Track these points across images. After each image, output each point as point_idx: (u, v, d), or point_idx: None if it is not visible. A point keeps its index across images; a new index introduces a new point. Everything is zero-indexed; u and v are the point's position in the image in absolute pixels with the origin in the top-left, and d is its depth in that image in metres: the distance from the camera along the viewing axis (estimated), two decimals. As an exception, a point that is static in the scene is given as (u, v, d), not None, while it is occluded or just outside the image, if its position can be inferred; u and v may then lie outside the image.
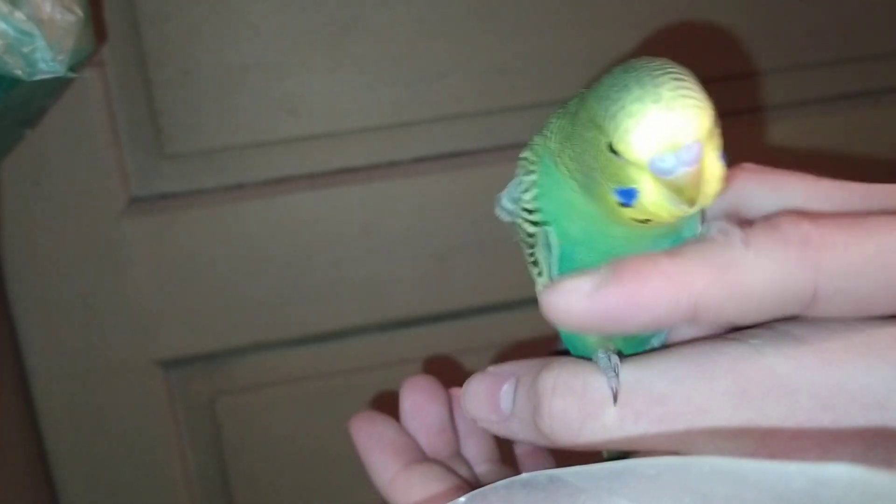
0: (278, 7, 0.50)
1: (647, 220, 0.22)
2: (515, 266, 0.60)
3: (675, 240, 0.24)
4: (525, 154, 0.26)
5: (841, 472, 0.16)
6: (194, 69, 0.50)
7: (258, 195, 0.53)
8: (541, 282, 0.26)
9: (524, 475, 0.19)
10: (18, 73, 0.38)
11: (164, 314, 0.54)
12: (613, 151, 0.21)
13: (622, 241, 0.23)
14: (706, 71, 0.63)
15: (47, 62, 0.39)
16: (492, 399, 0.24)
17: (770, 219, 0.21)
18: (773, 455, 0.20)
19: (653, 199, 0.21)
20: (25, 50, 0.38)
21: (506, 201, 0.26)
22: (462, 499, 0.19)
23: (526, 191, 0.25)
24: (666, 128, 0.20)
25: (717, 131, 0.21)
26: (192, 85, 0.51)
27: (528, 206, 0.25)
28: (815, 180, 0.25)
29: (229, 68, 0.51)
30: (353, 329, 0.56)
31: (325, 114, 0.53)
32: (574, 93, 0.29)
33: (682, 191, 0.20)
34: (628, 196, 0.21)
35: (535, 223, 0.25)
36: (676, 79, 0.21)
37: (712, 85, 0.66)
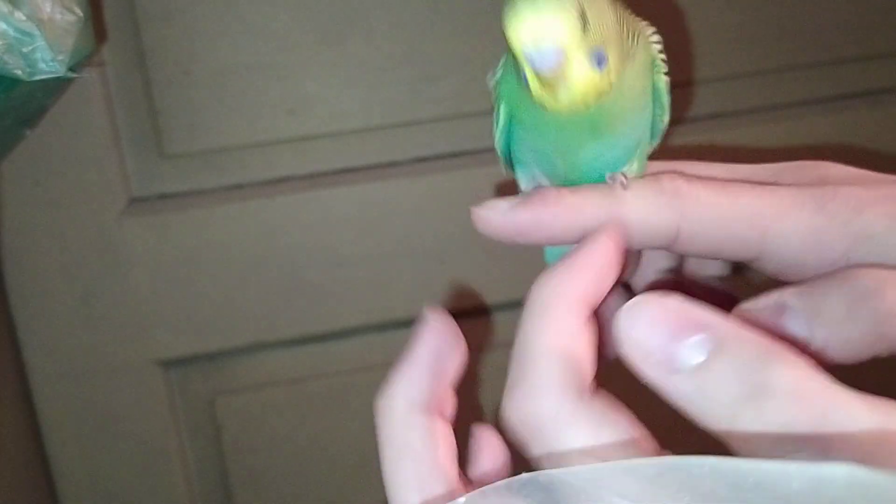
0: (278, 7, 0.50)
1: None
2: (515, 266, 0.60)
3: (612, 142, 0.27)
4: None
5: (841, 473, 0.16)
6: (194, 69, 0.51)
7: (258, 195, 0.53)
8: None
9: (524, 475, 0.19)
10: (18, 73, 0.38)
11: (164, 314, 0.54)
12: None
13: (557, 129, 0.27)
14: (707, 71, 0.64)
15: (47, 62, 0.39)
16: (670, 341, 0.20)
17: (657, 174, 0.27)
18: None
19: (532, 86, 0.24)
20: (25, 50, 0.38)
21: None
22: (462, 499, 0.19)
23: (494, 74, 0.29)
24: (534, 30, 0.23)
25: (592, 39, 0.24)
26: (192, 85, 0.51)
27: (490, 86, 0.29)
28: (707, 167, 0.30)
29: (229, 68, 0.51)
30: (353, 329, 0.56)
31: (324, 114, 0.53)
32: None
33: (546, 86, 0.24)
34: (525, 80, 0.24)
35: (496, 99, 0.29)
36: None
37: (713, 84, 0.66)
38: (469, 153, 0.55)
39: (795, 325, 0.25)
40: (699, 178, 0.27)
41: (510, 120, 0.28)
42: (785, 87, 0.57)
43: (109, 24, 0.49)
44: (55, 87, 0.44)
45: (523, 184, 0.30)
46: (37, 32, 0.38)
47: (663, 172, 0.27)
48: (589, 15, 0.23)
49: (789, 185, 0.28)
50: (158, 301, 0.53)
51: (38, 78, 0.39)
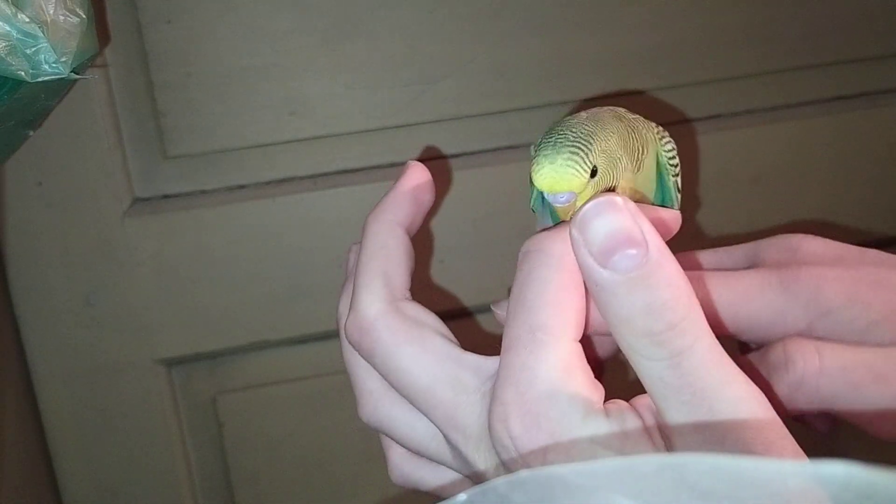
0: (280, 10, 0.50)
1: None
2: (514, 266, 0.60)
3: None
4: None
5: (838, 471, 0.17)
6: (197, 71, 0.51)
7: (260, 196, 0.53)
8: None
9: (523, 472, 0.19)
10: (22, 74, 0.38)
11: (166, 313, 0.54)
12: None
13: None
14: (706, 72, 0.63)
15: (51, 64, 0.39)
16: (618, 247, 0.24)
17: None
18: None
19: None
20: (29, 51, 0.38)
21: None
22: (462, 496, 0.19)
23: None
24: (550, 180, 0.29)
25: (599, 184, 0.29)
26: (195, 87, 0.51)
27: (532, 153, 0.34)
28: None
29: (231, 70, 0.51)
30: (354, 329, 0.56)
31: (326, 116, 0.53)
32: (573, 95, 0.30)
33: (560, 210, 0.31)
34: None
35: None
36: (573, 148, 0.29)
37: (712, 86, 0.66)
38: (468, 154, 0.55)
39: None
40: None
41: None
42: (783, 88, 0.57)
43: (112, 26, 0.49)
44: (58, 89, 0.44)
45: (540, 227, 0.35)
46: (40, 34, 0.38)
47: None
48: (600, 163, 0.29)
49: (760, 266, 0.32)
50: (161, 300, 0.54)
51: (41, 79, 0.39)
